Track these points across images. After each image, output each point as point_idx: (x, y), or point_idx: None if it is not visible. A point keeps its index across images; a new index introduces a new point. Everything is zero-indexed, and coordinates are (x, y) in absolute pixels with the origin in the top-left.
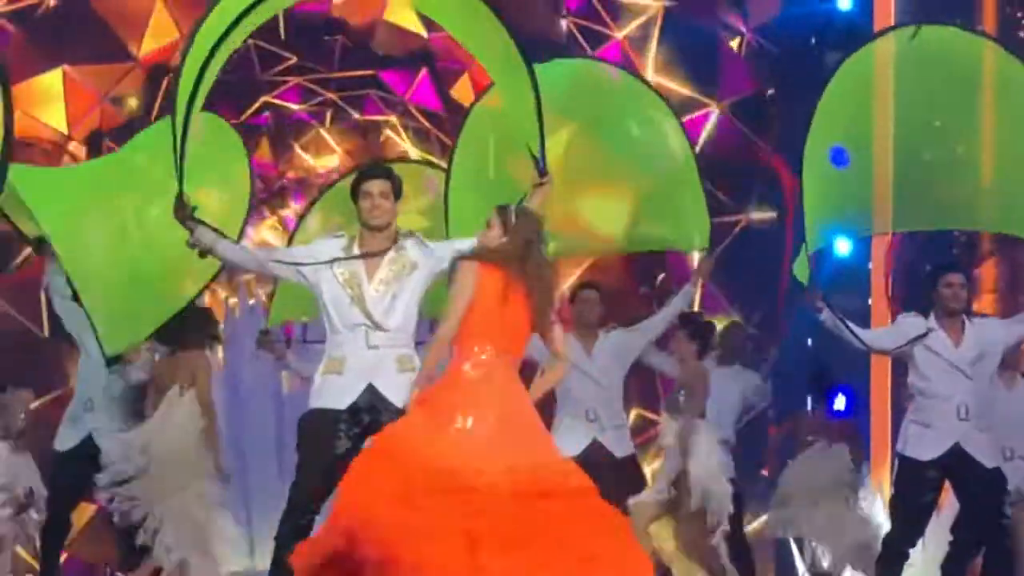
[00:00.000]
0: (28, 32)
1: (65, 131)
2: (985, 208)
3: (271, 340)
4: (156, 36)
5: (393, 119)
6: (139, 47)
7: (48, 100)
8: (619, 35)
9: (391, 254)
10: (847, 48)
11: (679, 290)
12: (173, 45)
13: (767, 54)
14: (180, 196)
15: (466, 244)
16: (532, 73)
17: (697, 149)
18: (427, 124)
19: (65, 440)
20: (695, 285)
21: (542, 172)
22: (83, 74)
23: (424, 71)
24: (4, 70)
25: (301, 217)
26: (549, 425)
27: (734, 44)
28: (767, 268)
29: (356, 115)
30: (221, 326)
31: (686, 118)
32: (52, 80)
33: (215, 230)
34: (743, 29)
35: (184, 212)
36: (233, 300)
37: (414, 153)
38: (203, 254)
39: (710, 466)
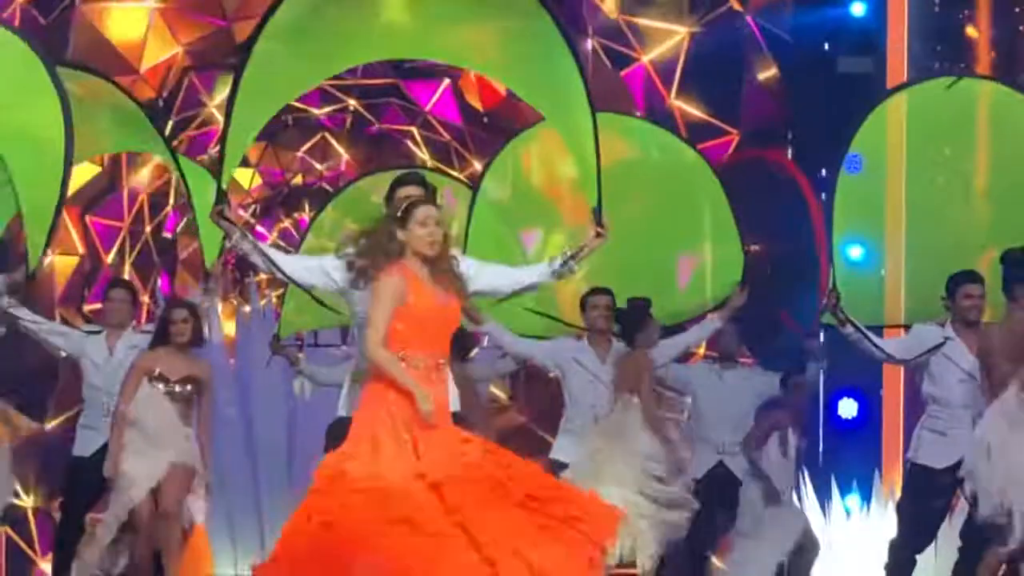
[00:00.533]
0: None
1: None
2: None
3: (283, 345)
4: (154, 50)
5: (413, 130)
6: (140, 61)
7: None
8: (644, 59)
9: None
10: (860, 54)
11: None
12: (172, 59)
13: (771, 37)
14: (219, 193)
15: (492, 266)
16: (594, 118)
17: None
18: (446, 136)
19: (82, 446)
20: (723, 319)
21: (599, 222)
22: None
23: (447, 83)
24: (58, 76)
25: (312, 220)
26: (555, 429)
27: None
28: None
29: (376, 123)
30: (206, 326)
31: (707, 144)
32: None
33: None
34: (740, 9)
35: (218, 210)
36: (247, 309)
37: (431, 164)
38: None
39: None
